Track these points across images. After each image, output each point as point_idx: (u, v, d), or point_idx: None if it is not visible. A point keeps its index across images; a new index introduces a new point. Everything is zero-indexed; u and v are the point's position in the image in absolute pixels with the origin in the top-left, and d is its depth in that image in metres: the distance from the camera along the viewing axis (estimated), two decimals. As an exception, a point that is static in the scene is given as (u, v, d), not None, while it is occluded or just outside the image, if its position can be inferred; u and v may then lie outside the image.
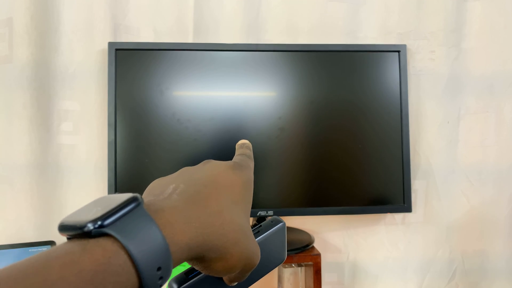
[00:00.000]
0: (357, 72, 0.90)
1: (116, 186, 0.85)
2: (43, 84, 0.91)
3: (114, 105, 0.86)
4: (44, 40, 0.91)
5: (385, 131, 0.90)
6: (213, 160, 0.33)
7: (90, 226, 0.21)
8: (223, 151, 0.86)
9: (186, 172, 0.31)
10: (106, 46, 0.89)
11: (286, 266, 0.90)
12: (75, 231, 0.22)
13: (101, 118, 0.93)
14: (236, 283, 0.31)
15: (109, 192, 0.85)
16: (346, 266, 1.00)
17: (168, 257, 0.23)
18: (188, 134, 0.86)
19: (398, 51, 0.91)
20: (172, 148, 0.86)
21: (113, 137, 0.86)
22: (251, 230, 0.30)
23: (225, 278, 0.30)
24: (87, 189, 0.93)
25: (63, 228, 0.22)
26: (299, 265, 0.90)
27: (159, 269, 0.22)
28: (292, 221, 0.99)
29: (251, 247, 0.28)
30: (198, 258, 0.26)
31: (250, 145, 0.38)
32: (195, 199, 0.27)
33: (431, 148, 0.98)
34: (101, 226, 0.21)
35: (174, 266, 0.24)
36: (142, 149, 0.86)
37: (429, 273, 1.01)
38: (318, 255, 0.85)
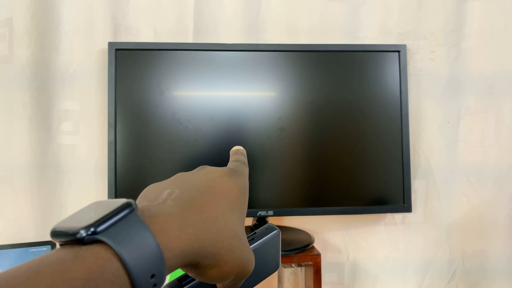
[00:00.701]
0: (357, 72, 0.90)
1: (116, 186, 0.85)
2: (43, 84, 0.91)
3: (114, 105, 0.86)
4: (44, 40, 0.91)
5: (385, 131, 0.90)
6: (209, 166, 0.32)
7: (83, 233, 0.21)
8: (223, 151, 0.86)
9: (181, 177, 0.31)
10: (106, 46, 0.89)
11: (286, 266, 0.90)
12: (68, 238, 0.21)
13: (101, 118, 0.93)
14: None
15: (109, 192, 0.85)
16: (346, 266, 1.00)
17: (162, 264, 0.22)
18: (188, 134, 0.86)
19: (398, 51, 0.91)
20: (172, 148, 0.86)
21: (113, 137, 0.86)
22: (246, 237, 0.30)
23: (219, 286, 0.30)
24: (87, 189, 0.93)
25: (55, 234, 0.22)
26: (299, 265, 0.90)
27: (152, 276, 0.22)
28: (292, 221, 0.99)
29: (245, 254, 0.28)
30: (192, 264, 0.26)
31: (245, 151, 0.37)
32: (191, 205, 0.26)
33: (431, 148, 0.98)
34: (94, 233, 0.21)
35: (168, 273, 0.24)
36: (142, 149, 0.86)
37: (429, 273, 1.00)
38: (318, 255, 0.85)
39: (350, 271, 1.01)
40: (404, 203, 0.90)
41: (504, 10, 0.98)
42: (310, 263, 0.86)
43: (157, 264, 0.22)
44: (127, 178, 0.86)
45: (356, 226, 1.00)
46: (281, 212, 0.88)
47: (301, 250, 0.86)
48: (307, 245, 0.88)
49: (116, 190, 0.85)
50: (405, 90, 0.91)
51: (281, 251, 0.35)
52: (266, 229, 0.34)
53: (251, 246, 0.32)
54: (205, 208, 0.27)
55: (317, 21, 0.97)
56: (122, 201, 0.23)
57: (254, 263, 0.29)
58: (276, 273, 0.98)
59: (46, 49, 0.91)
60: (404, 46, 0.92)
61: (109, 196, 0.85)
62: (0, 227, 0.91)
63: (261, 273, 0.34)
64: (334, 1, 0.97)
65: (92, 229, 0.21)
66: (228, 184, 0.30)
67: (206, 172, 0.31)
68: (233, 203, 0.29)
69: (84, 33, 0.92)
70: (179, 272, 0.30)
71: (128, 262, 0.21)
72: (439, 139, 0.98)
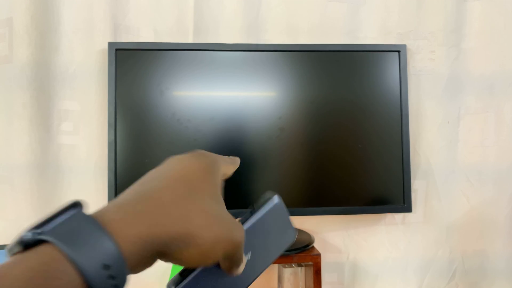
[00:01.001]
0: (357, 72, 0.90)
1: (116, 186, 0.85)
2: (43, 84, 0.91)
3: (114, 105, 0.86)
4: (44, 40, 0.91)
5: (385, 131, 0.90)
6: (177, 155, 0.32)
7: (28, 235, 0.21)
8: (223, 151, 0.86)
9: (148, 172, 0.31)
10: (106, 46, 0.89)
11: (286, 266, 0.90)
12: (17, 246, 0.21)
13: (101, 118, 0.93)
14: (236, 271, 0.30)
15: (109, 192, 0.85)
16: (346, 266, 1.00)
17: (114, 253, 0.22)
18: (188, 134, 0.86)
19: (398, 51, 0.91)
20: (172, 148, 0.86)
21: (113, 137, 0.86)
22: (222, 210, 0.29)
23: (223, 267, 0.29)
24: (87, 189, 0.93)
25: (8, 249, 0.22)
26: (299, 265, 0.90)
27: (106, 267, 0.21)
28: (292, 221, 0.99)
29: (226, 226, 0.27)
30: (165, 251, 0.25)
31: (235, 158, 0.37)
32: (147, 194, 0.26)
33: (431, 148, 0.98)
34: (38, 234, 0.21)
35: (136, 264, 0.23)
36: (142, 149, 0.86)
37: (429, 273, 1.01)
38: (318, 255, 0.85)
39: (350, 271, 1.01)
40: (404, 203, 0.90)
41: (504, 10, 0.98)
42: (310, 263, 0.86)
43: (107, 253, 0.21)
44: (127, 178, 0.86)
45: (356, 226, 1.00)
46: (281, 212, 0.88)
47: (301, 250, 0.85)
48: (307, 245, 0.88)
49: (116, 190, 0.85)
50: (405, 90, 0.91)
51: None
52: (265, 198, 0.33)
53: (251, 221, 0.31)
54: (163, 194, 0.27)
55: (317, 21, 0.97)
56: (70, 201, 0.23)
57: (242, 234, 0.28)
58: (276, 273, 0.98)
59: (46, 49, 0.91)
60: (404, 46, 0.92)
61: (109, 196, 0.85)
62: (0, 227, 0.91)
63: (274, 247, 0.33)
64: (334, 1, 0.97)
65: (35, 230, 0.21)
66: (188, 166, 0.29)
67: (168, 161, 0.31)
68: (196, 183, 0.29)
69: (84, 33, 0.92)
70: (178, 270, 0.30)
71: (74, 256, 0.20)
72: (439, 139, 0.98)
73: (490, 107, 0.98)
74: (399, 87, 0.91)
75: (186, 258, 0.26)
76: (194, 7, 0.95)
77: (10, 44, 0.90)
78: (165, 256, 0.25)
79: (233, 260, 0.29)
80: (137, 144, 0.87)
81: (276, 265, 0.97)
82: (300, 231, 0.97)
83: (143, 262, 0.24)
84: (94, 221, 0.22)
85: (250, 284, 0.32)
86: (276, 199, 0.34)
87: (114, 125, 0.86)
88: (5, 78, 0.90)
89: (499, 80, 0.98)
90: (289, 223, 0.34)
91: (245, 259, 0.31)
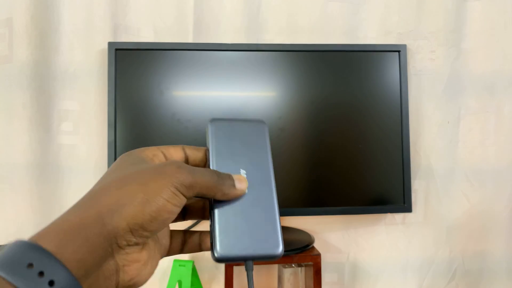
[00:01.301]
0: (357, 72, 0.90)
1: (116, 186, 0.85)
2: (43, 84, 0.91)
3: (114, 105, 0.86)
4: (44, 40, 0.91)
5: (385, 131, 0.90)
6: None
7: None
8: (223, 151, 0.86)
9: None
10: (106, 46, 0.89)
11: (286, 266, 0.90)
12: None
13: (101, 118, 0.93)
14: (233, 190, 0.31)
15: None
16: (346, 266, 1.00)
17: (34, 250, 0.23)
18: (188, 134, 0.86)
19: (398, 51, 0.91)
20: (172, 148, 0.86)
21: (113, 137, 0.86)
22: (144, 166, 0.30)
23: (217, 197, 0.30)
24: (87, 189, 0.91)
25: None
26: (299, 265, 0.90)
27: (30, 265, 0.23)
28: (292, 221, 0.99)
29: (152, 171, 0.29)
30: (107, 229, 0.26)
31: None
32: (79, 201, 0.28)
33: (431, 148, 0.98)
34: None
35: (80, 257, 0.24)
36: (142, 149, 0.86)
37: (429, 273, 1.01)
38: (318, 255, 0.85)
39: (350, 271, 1.01)
40: (404, 203, 0.90)
41: (504, 10, 0.98)
42: (310, 263, 0.86)
43: (26, 253, 0.23)
44: (127, 178, 0.86)
45: (356, 226, 1.00)
46: (281, 212, 0.88)
47: (301, 250, 0.85)
48: (307, 245, 0.88)
49: (116, 190, 0.85)
50: (405, 90, 0.91)
51: None
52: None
53: (210, 153, 0.34)
54: (83, 197, 0.29)
55: (317, 21, 0.97)
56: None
57: (174, 163, 0.29)
58: (276, 273, 0.98)
59: (46, 49, 0.91)
60: (404, 46, 0.92)
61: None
62: (0, 227, 0.91)
63: (258, 142, 0.35)
64: (334, 1, 0.97)
65: None
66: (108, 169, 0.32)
67: None
68: (110, 172, 0.31)
69: (84, 33, 0.92)
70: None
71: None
72: (439, 139, 0.98)
73: (490, 107, 0.98)
74: (399, 87, 0.91)
75: (136, 218, 0.26)
76: (194, 7, 0.95)
77: (10, 44, 0.90)
78: (118, 232, 0.26)
79: (206, 186, 0.29)
80: (137, 144, 0.86)
81: (276, 265, 0.97)
82: (300, 231, 0.97)
83: (88, 249, 0.25)
84: (21, 241, 0.24)
85: (275, 189, 0.32)
86: (208, 122, 0.35)
87: (114, 125, 0.86)
88: (5, 78, 0.90)
89: (499, 80, 0.98)
90: (243, 122, 0.35)
91: (237, 176, 0.32)
